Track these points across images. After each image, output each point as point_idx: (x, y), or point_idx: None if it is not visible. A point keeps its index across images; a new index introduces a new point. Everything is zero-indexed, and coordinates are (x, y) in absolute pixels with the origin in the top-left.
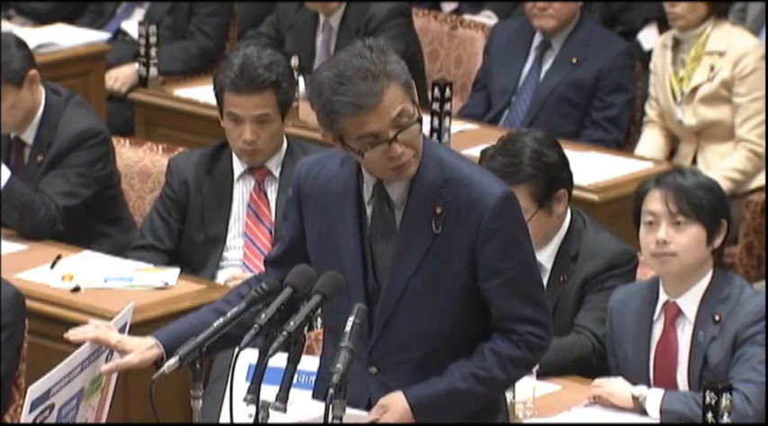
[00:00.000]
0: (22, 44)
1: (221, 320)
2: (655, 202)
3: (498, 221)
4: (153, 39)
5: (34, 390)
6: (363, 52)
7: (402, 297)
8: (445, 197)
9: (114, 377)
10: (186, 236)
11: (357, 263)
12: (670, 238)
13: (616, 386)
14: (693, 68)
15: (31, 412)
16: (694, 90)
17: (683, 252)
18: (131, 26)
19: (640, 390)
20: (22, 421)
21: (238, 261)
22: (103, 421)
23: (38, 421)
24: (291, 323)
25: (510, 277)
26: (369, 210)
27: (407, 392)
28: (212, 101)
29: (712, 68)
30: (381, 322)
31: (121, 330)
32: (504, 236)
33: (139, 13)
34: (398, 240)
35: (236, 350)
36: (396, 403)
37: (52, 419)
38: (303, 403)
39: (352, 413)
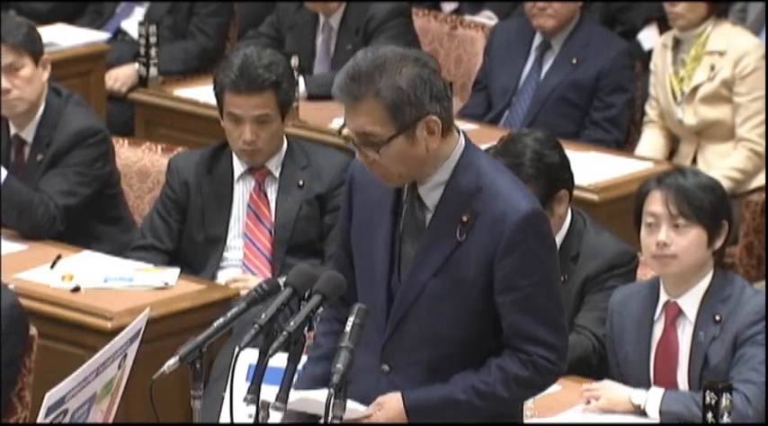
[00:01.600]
0: (36, 29)
1: (221, 320)
2: (655, 204)
3: (519, 236)
4: (153, 39)
5: (51, 396)
6: (379, 58)
7: (418, 298)
8: (474, 206)
9: (125, 380)
10: (186, 236)
11: (385, 260)
12: (670, 240)
13: (616, 392)
14: (694, 68)
15: (46, 416)
16: (695, 89)
17: (683, 254)
18: (131, 25)
19: (640, 398)
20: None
21: (238, 261)
22: (110, 422)
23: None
24: (291, 323)
25: (525, 294)
26: (404, 209)
27: (406, 393)
28: (212, 101)
29: (713, 68)
30: (395, 320)
31: (134, 337)
32: (524, 253)
33: (139, 13)
34: (423, 242)
35: (237, 350)
36: (391, 402)
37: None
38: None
39: (351, 407)
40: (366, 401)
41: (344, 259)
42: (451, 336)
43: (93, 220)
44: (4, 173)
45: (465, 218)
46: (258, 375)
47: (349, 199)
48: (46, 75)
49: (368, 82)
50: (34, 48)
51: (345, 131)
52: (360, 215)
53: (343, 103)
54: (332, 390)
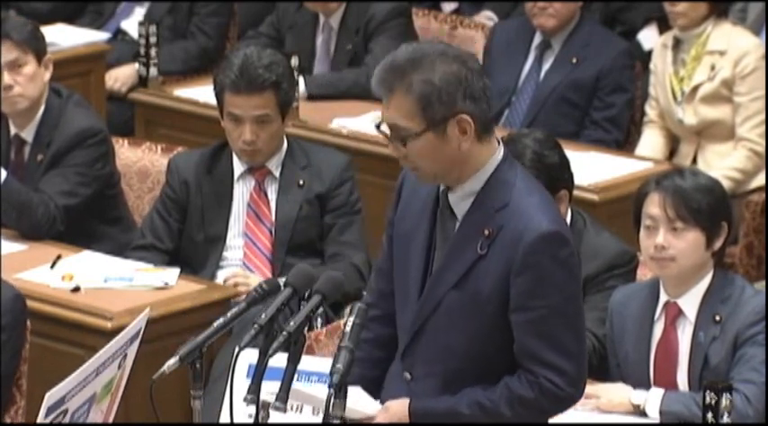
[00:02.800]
0: (40, 29)
1: (221, 320)
2: (653, 206)
3: (533, 257)
4: (153, 40)
5: (51, 396)
6: (417, 52)
7: (436, 309)
8: (497, 221)
9: (125, 380)
10: (186, 236)
11: (420, 266)
12: (668, 243)
13: (615, 394)
14: (694, 68)
15: (46, 416)
16: (695, 89)
17: (681, 256)
18: (131, 25)
19: (640, 398)
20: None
21: (238, 260)
22: (110, 422)
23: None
24: (291, 323)
25: (537, 316)
26: (437, 218)
27: (413, 401)
28: (212, 101)
29: (713, 68)
30: (415, 327)
31: (134, 337)
32: (537, 274)
33: (139, 13)
34: (446, 253)
35: (237, 350)
36: (397, 406)
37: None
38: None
39: (356, 407)
40: None
41: (390, 267)
42: (468, 350)
43: (93, 221)
44: (4, 173)
45: (487, 232)
46: (258, 375)
47: (395, 207)
48: (48, 75)
49: (402, 75)
50: (38, 47)
51: (382, 126)
52: (401, 224)
53: (380, 96)
54: (331, 390)
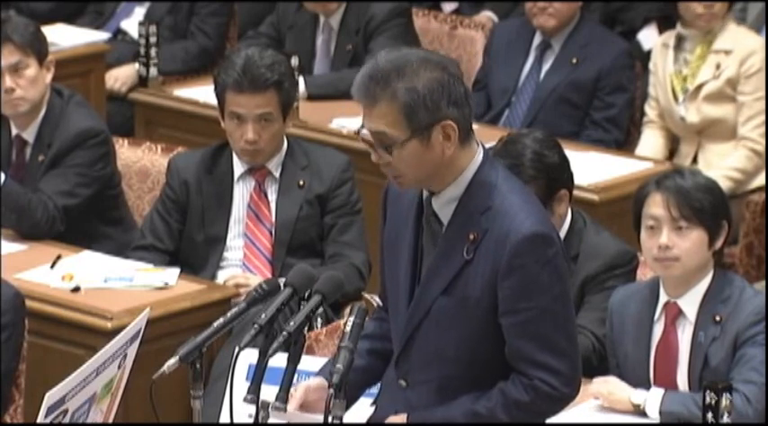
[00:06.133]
0: (41, 30)
1: (221, 320)
2: (656, 207)
3: (519, 259)
4: (153, 39)
5: (51, 396)
6: (399, 59)
7: (427, 314)
8: (482, 225)
9: (125, 380)
10: (186, 236)
11: (408, 272)
12: (672, 243)
13: (617, 388)
14: (698, 66)
15: (46, 417)
16: (699, 87)
17: (685, 256)
18: (131, 25)
19: (640, 398)
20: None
21: (238, 261)
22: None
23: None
24: (291, 324)
25: (526, 318)
26: (423, 223)
27: (411, 414)
28: (212, 101)
29: (718, 66)
30: (407, 334)
31: (134, 337)
32: (524, 276)
33: (139, 13)
34: (434, 258)
35: (237, 350)
36: (396, 421)
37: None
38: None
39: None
40: (387, 413)
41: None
42: (459, 356)
43: (94, 221)
44: (3, 176)
45: (472, 237)
46: (258, 375)
47: (383, 213)
48: (50, 76)
49: (385, 83)
50: (40, 49)
51: (363, 131)
52: (390, 228)
53: (361, 103)
54: (332, 390)
